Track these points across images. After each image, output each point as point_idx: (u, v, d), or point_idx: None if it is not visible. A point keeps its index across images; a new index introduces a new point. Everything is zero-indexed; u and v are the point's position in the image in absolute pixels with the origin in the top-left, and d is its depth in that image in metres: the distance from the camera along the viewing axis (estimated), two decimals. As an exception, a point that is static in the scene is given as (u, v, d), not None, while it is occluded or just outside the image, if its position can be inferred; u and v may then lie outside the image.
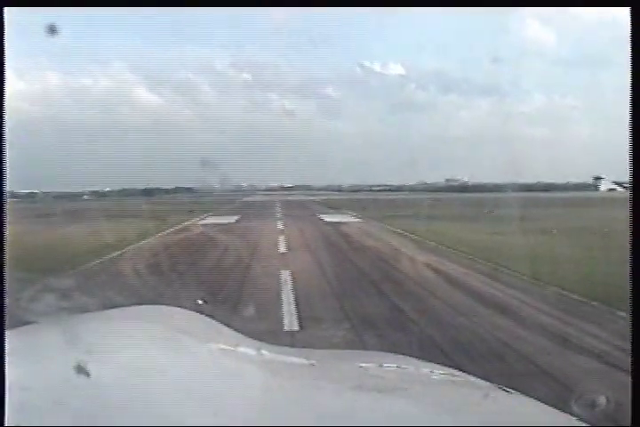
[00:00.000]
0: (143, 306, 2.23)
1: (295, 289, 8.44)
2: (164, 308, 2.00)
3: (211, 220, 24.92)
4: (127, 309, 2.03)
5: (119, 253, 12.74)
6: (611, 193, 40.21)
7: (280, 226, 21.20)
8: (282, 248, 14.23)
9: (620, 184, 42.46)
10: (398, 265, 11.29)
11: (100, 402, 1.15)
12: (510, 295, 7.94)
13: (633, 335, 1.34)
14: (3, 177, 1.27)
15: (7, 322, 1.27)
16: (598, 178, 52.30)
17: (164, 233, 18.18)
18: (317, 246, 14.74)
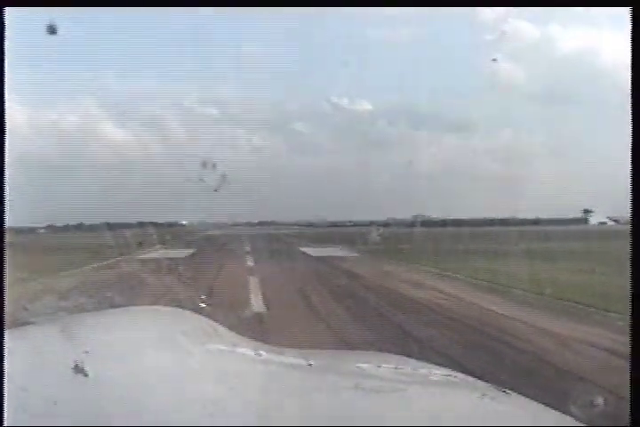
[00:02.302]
0: (141, 307, 2.34)
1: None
2: (162, 308, 2.00)
3: (155, 254, 19.44)
4: (125, 309, 2.07)
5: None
6: (603, 226, 40.19)
7: (250, 262, 16.08)
8: (256, 302, 8.79)
9: (610, 218, 43.65)
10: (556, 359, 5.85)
11: (99, 403, 1.18)
12: None
13: (633, 335, 1.35)
14: (2, 177, 1.34)
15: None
16: (588, 211, 52.60)
17: (73, 272, 13.75)
18: (320, 298, 9.42)
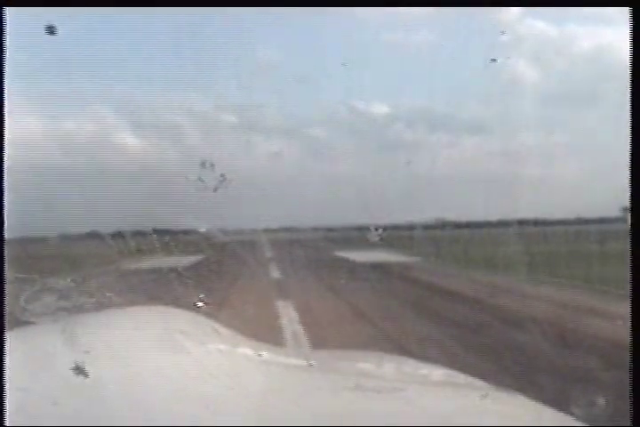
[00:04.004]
0: (141, 307, 2.40)
1: None
2: (162, 308, 2.09)
3: (153, 262, 12.04)
4: (125, 309, 2.18)
5: None
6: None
7: (275, 273, 12.11)
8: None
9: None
10: None
11: (99, 403, 1.25)
12: None
13: (633, 335, 1.41)
14: (2, 176, 1.41)
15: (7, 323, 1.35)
16: (627, 209, 52.56)
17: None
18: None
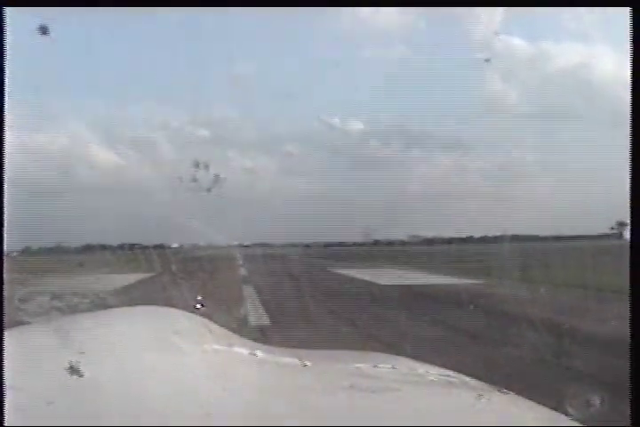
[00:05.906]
0: (137, 307, 2.34)
1: None
2: (157, 308, 2.09)
3: (80, 281, 13.04)
4: (121, 309, 2.21)
5: None
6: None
7: (254, 312, 9.41)
8: None
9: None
10: None
11: (95, 403, 1.30)
12: None
13: (633, 336, 1.46)
14: (2, 176, 1.48)
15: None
16: (623, 224, 52.87)
17: None
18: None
